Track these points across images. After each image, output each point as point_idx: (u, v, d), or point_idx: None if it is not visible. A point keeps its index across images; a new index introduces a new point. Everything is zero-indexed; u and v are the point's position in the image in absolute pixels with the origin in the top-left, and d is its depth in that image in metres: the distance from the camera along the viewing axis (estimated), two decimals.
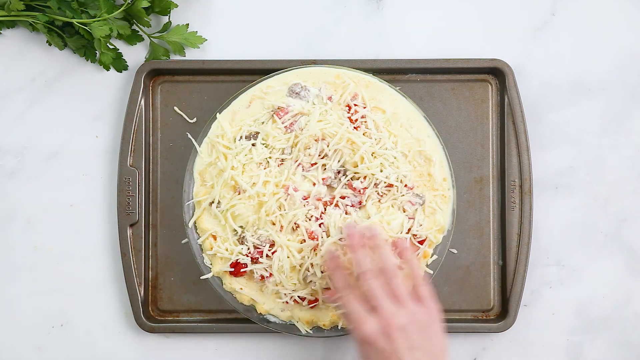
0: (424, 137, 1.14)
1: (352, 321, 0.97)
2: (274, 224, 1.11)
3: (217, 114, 1.14)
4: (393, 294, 0.96)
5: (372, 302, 0.96)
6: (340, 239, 1.07)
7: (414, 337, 0.94)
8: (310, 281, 1.11)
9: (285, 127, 1.12)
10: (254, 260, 1.11)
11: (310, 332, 1.13)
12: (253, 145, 1.12)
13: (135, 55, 1.21)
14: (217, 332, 1.18)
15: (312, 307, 1.12)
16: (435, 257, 1.14)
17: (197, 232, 1.14)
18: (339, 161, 1.11)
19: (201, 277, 1.13)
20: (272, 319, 1.14)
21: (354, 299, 0.98)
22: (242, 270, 1.12)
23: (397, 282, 0.97)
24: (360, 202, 1.11)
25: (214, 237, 1.12)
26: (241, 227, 1.12)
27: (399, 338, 0.93)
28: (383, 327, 0.94)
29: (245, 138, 1.13)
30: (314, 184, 1.11)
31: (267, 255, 1.10)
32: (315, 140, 1.11)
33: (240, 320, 1.17)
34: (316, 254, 1.08)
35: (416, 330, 0.94)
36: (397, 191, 1.11)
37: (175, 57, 1.21)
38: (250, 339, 1.19)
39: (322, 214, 1.10)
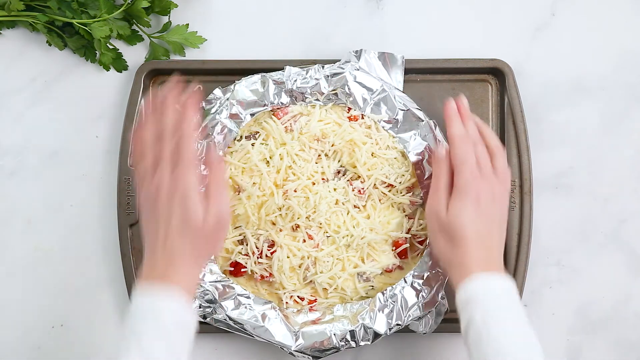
0: None
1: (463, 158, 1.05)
2: (274, 224, 1.11)
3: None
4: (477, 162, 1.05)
5: (459, 166, 1.04)
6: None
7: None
8: (310, 281, 1.11)
9: (286, 127, 1.12)
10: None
11: None
12: (253, 145, 1.12)
13: (135, 55, 1.21)
14: (217, 332, 1.18)
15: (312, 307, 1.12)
16: None
17: None
18: (338, 161, 1.11)
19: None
20: None
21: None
22: (242, 270, 1.12)
23: (482, 150, 1.06)
24: (357, 206, 1.11)
25: None
26: (241, 227, 1.12)
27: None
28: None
29: (245, 138, 1.13)
30: (314, 184, 1.11)
31: (266, 256, 1.10)
32: (316, 140, 1.11)
33: None
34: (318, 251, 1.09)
35: (489, 200, 1.03)
36: (397, 191, 1.11)
37: (175, 57, 1.21)
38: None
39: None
